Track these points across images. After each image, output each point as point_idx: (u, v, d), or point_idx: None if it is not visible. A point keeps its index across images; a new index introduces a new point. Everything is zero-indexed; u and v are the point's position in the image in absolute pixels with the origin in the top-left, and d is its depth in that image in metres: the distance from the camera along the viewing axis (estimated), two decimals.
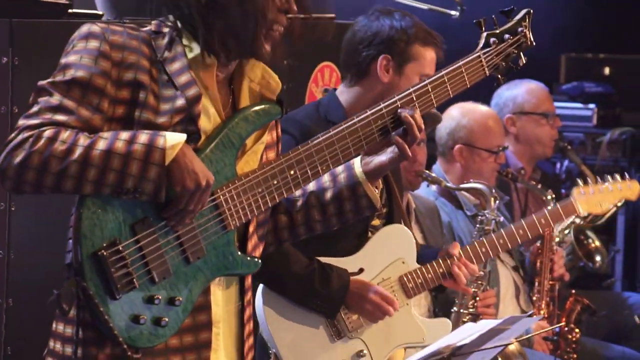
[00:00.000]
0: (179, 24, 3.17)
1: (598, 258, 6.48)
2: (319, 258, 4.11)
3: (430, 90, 3.41)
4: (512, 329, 3.68)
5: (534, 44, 3.57)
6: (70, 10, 5.43)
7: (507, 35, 3.54)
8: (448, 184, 5.31)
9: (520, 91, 6.43)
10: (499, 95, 6.47)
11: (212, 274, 3.15)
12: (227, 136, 3.16)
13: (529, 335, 5.51)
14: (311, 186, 3.41)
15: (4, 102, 4.83)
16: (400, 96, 3.36)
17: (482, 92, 6.24)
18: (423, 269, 4.25)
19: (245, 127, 3.19)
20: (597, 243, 6.47)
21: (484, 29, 3.53)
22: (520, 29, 3.56)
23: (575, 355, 5.84)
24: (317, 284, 4.05)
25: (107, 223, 3.03)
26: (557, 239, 5.74)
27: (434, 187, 5.63)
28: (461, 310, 4.92)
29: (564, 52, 8.93)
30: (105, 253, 3.00)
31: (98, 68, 3.04)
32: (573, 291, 6.07)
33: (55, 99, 3.01)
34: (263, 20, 3.14)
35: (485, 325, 3.67)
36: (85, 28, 3.10)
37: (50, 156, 2.95)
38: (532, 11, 3.60)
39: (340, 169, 3.40)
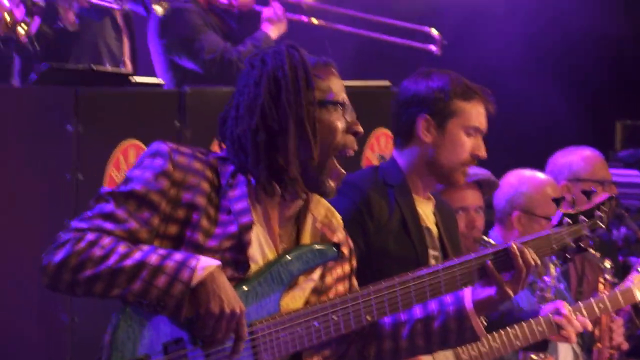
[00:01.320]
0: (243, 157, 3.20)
1: None
2: None
3: (492, 258, 3.41)
4: None
5: (609, 230, 3.58)
6: (132, 79, 5.52)
7: (582, 217, 3.55)
8: None
9: (575, 158, 6.42)
10: (554, 163, 6.46)
11: None
12: (277, 271, 3.19)
13: None
14: (418, 313, 3.39)
15: (69, 169, 4.90)
16: (460, 261, 3.38)
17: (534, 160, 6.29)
18: (478, 342, 4.25)
19: (298, 265, 3.22)
20: None
21: (560, 206, 3.55)
22: (598, 213, 3.58)
23: None
24: None
25: (141, 339, 3.07)
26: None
27: None
28: None
29: (619, 119, 8.93)
30: None
31: (157, 185, 3.11)
32: None
33: (109, 207, 3.10)
34: (328, 149, 3.21)
35: None
36: (154, 146, 3.18)
37: (87, 259, 3.03)
38: (614, 197, 3.61)
39: (449, 299, 3.39)
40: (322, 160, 3.20)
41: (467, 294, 3.37)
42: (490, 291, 3.37)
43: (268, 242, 3.21)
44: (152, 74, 6.80)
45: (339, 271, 3.35)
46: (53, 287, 3.09)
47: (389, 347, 3.42)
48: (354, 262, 3.43)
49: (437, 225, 4.27)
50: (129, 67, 6.44)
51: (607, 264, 5.71)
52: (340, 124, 3.23)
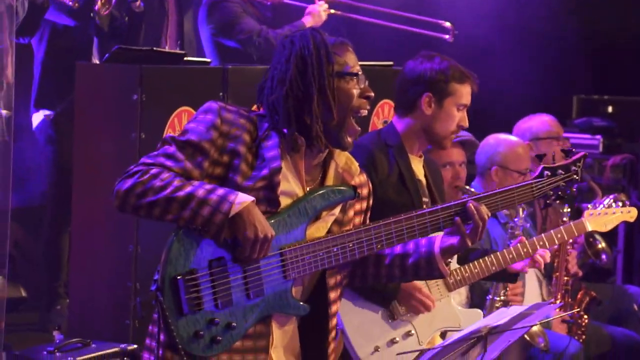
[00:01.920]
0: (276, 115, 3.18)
1: (604, 256, 6.39)
2: None
3: (482, 202, 3.31)
4: (536, 313, 3.63)
5: (583, 181, 3.47)
6: (185, 58, 5.48)
7: (560, 171, 3.45)
8: None
9: (534, 122, 6.35)
10: (518, 127, 6.39)
11: (267, 310, 3.13)
12: (304, 206, 3.16)
13: (549, 319, 5.46)
14: (398, 248, 3.33)
15: (135, 129, 4.88)
16: (455, 203, 3.29)
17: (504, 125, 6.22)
18: (462, 268, 4.21)
19: (321, 202, 3.18)
20: (604, 245, 6.38)
21: (543, 160, 3.46)
22: (573, 168, 3.46)
23: (584, 336, 5.78)
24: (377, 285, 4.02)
25: (190, 256, 3.04)
26: (570, 240, 5.67)
27: None
28: (495, 298, 4.87)
29: (576, 94, 8.87)
30: (182, 278, 3.02)
31: (207, 135, 3.09)
32: (583, 285, 6.00)
33: (171, 149, 3.08)
34: (346, 111, 3.16)
35: (514, 310, 3.62)
36: (207, 104, 3.16)
37: (149, 188, 3.01)
38: (587, 155, 3.51)
39: (423, 242, 3.32)
40: (341, 120, 3.16)
41: (437, 241, 3.31)
42: (453, 240, 3.28)
43: (297, 183, 3.18)
44: (202, 54, 6.74)
45: (357, 207, 3.31)
46: (121, 208, 3.06)
47: (371, 272, 3.37)
48: (371, 201, 3.37)
49: (425, 177, 4.24)
50: (167, 43, 6.30)
51: (565, 209, 5.68)
52: (355, 91, 3.18)
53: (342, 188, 3.22)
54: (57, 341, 4.71)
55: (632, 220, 4.88)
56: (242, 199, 3.02)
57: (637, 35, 8.64)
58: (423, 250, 3.31)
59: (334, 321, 3.27)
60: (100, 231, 4.99)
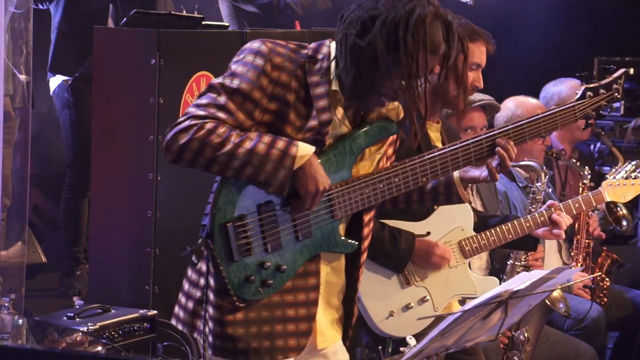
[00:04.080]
0: (335, 56, 3.06)
1: (625, 223, 6.35)
2: (395, 221, 4.05)
3: (525, 128, 3.27)
4: (557, 278, 3.61)
5: (624, 99, 3.45)
6: (203, 22, 5.45)
7: (602, 90, 3.41)
8: None
9: (564, 87, 6.29)
10: (547, 90, 6.34)
11: (315, 250, 3.12)
12: (349, 144, 3.11)
13: (570, 283, 5.44)
14: None
15: (152, 94, 4.87)
16: (499, 130, 3.24)
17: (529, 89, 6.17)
18: (478, 236, 4.18)
19: (366, 139, 3.13)
20: (624, 211, 6.33)
21: (583, 81, 3.42)
22: (615, 86, 3.42)
23: (606, 299, 5.76)
24: (388, 246, 4.01)
25: (238, 202, 3.01)
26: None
27: None
28: (515, 263, 4.85)
29: (597, 56, 8.80)
30: (232, 225, 3.00)
31: (258, 83, 2.99)
32: (604, 248, 5.98)
33: (222, 99, 2.99)
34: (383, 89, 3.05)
35: (535, 274, 3.61)
36: (256, 45, 3.04)
37: (207, 144, 2.95)
38: (629, 72, 3.47)
39: None
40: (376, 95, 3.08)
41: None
42: (476, 172, 3.27)
43: (343, 122, 3.11)
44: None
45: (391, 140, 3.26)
46: (174, 162, 3.00)
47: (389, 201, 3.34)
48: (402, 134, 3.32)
49: (443, 144, 4.18)
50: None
51: (586, 171, 5.65)
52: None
53: (385, 124, 3.16)
54: (77, 307, 4.72)
55: None
56: (304, 152, 2.98)
57: None
58: (441, 177, 3.27)
59: (364, 256, 3.25)
60: (119, 196, 4.99)
